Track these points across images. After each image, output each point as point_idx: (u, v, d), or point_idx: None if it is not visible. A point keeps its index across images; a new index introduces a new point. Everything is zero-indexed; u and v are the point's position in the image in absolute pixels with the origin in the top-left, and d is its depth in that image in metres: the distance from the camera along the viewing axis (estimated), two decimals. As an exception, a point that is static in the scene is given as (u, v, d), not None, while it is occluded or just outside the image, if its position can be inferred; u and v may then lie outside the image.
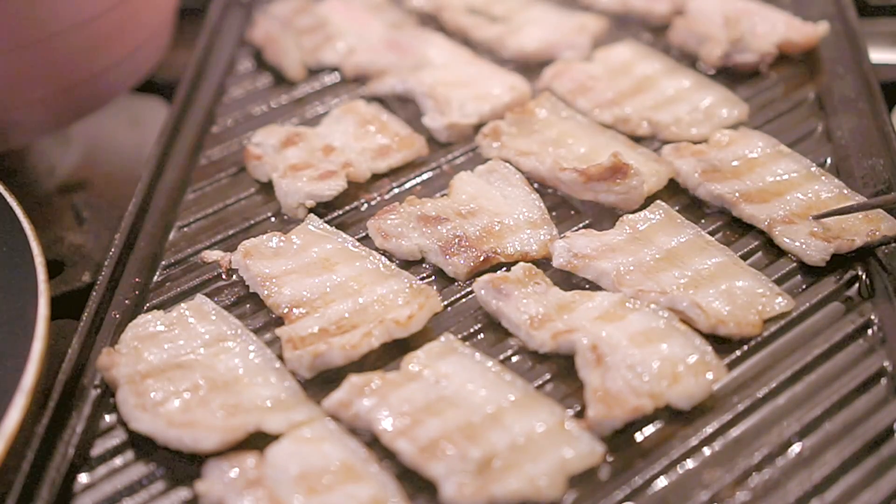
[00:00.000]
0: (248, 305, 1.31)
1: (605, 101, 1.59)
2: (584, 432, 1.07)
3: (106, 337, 1.26)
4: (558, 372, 1.17)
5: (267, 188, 1.50)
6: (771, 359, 1.17)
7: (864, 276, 1.26)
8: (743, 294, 1.22)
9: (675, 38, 1.73)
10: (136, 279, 1.35)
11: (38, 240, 1.27)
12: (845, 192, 1.35)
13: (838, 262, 1.28)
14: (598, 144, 1.48)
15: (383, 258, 1.31)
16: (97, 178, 1.78)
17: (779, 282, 1.25)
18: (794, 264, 1.28)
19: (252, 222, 1.45)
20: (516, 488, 1.01)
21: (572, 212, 1.41)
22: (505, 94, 1.61)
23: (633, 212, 1.35)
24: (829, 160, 1.46)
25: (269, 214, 1.46)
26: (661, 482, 1.05)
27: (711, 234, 1.34)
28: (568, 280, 1.29)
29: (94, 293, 1.30)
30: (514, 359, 1.20)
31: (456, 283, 1.30)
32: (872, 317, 1.21)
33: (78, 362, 1.21)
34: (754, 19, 1.70)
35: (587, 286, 1.28)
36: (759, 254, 1.31)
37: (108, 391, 1.18)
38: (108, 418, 1.16)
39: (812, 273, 1.27)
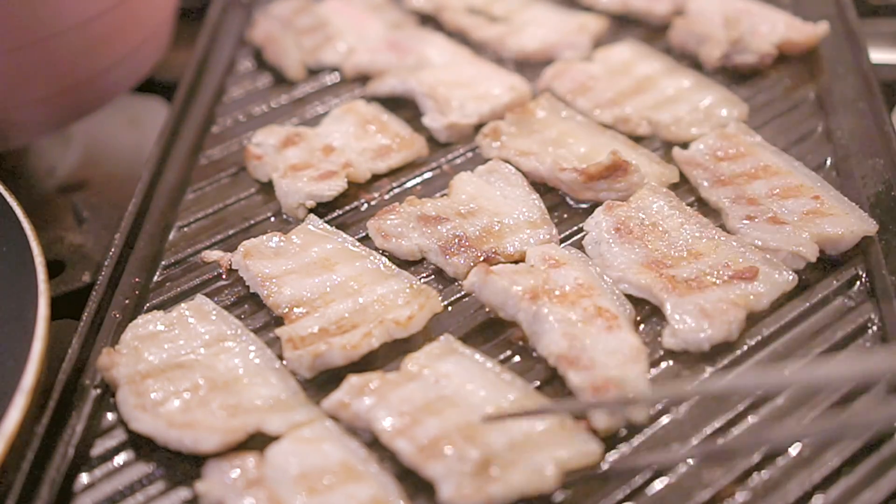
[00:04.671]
0: (247, 305, 1.31)
1: (605, 101, 1.59)
2: (584, 432, 1.07)
3: (106, 337, 1.26)
4: (558, 372, 1.17)
5: (267, 188, 1.50)
6: (771, 359, 1.17)
7: (864, 276, 1.26)
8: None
9: (675, 38, 1.73)
10: (136, 279, 1.35)
11: (38, 240, 1.27)
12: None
13: (838, 261, 1.28)
14: (598, 144, 1.48)
15: (383, 258, 1.31)
16: (97, 178, 1.78)
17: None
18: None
19: (252, 222, 1.45)
20: (514, 487, 1.01)
21: (572, 212, 1.41)
22: (505, 94, 1.61)
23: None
24: (829, 160, 1.46)
25: (269, 214, 1.46)
26: (661, 482, 1.05)
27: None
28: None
29: (94, 293, 1.30)
30: (515, 359, 1.20)
31: (456, 283, 1.30)
32: (872, 317, 1.21)
33: (78, 362, 1.21)
34: (754, 19, 1.70)
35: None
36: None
37: (108, 391, 1.18)
38: (108, 418, 1.16)
39: (812, 273, 1.27)
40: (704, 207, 1.39)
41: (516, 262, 1.29)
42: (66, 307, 1.42)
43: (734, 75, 1.65)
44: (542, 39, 1.75)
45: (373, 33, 1.83)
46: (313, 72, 1.77)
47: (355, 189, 1.48)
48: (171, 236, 1.44)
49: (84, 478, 1.10)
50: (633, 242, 1.30)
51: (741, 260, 1.25)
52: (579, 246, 1.34)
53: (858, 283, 1.26)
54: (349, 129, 1.57)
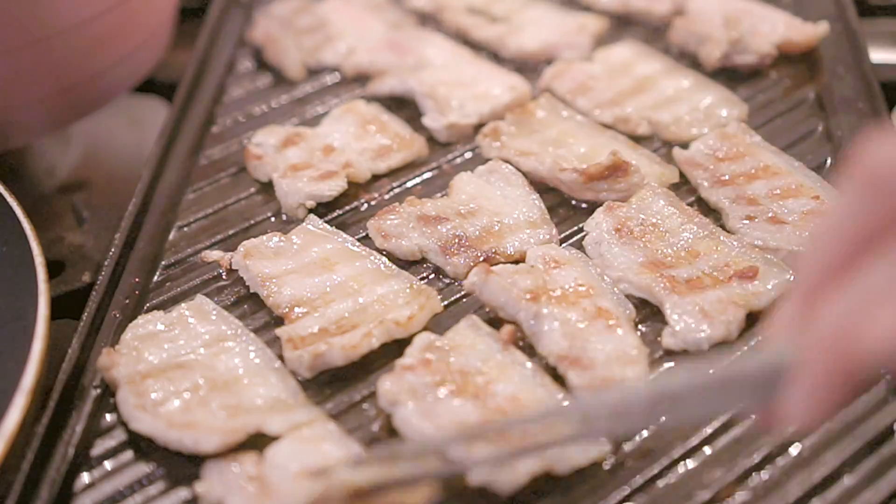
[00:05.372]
0: (247, 305, 1.31)
1: (605, 101, 1.59)
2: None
3: (106, 337, 1.26)
4: (558, 372, 1.17)
5: (267, 188, 1.50)
6: (771, 359, 1.17)
7: (864, 276, 1.26)
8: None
9: (675, 38, 1.73)
10: (136, 279, 1.35)
11: (38, 240, 1.26)
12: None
13: (838, 262, 1.28)
14: (598, 144, 1.48)
15: (383, 258, 1.31)
16: (97, 178, 1.78)
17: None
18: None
19: (252, 222, 1.45)
20: None
21: (572, 212, 1.41)
22: (505, 94, 1.61)
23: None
24: (829, 160, 1.46)
25: (269, 214, 1.46)
26: (661, 482, 1.05)
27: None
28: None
29: (94, 293, 1.30)
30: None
31: (456, 283, 1.30)
32: (872, 317, 1.21)
33: (78, 362, 1.21)
34: (754, 19, 1.70)
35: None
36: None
37: (108, 391, 1.18)
38: (108, 418, 1.16)
39: (812, 273, 1.27)
40: (704, 207, 1.39)
41: (516, 262, 1.29)
42: (66, 307, 1.42)
43: (734, 75, 1.65)
44: (542, 39, 1.75)
45: (373, 33, 1.83)
46: (313, 72, 1.77)
47: (355, 189, 1.48)
48: (171, 236, 1.44)
49: (84, 478, 1.10)
50: (634, 243, 1.30)
51: (741, 260, 1.25)
52: (579, 246, 1.34)
53: (858, 283, 1.26)
54: (349, 129, 1.57)
